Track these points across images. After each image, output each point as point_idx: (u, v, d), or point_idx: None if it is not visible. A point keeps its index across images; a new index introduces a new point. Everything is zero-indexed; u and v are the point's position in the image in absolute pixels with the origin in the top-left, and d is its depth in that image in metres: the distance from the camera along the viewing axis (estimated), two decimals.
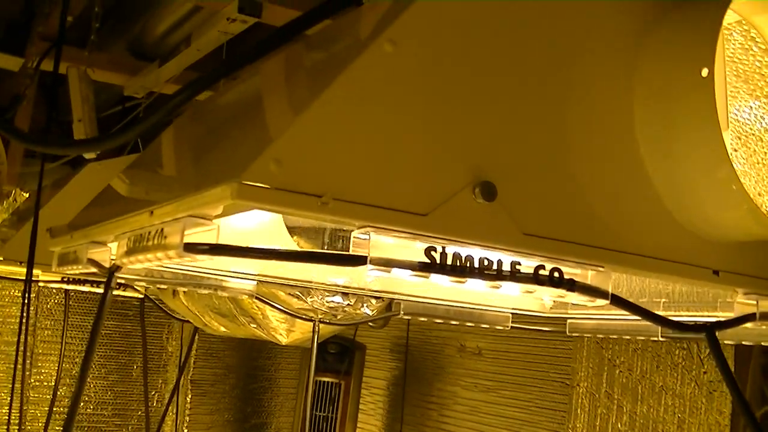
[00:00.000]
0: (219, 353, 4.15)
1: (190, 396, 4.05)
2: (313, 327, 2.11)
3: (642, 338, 2.39)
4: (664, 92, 0.90)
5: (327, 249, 1.59)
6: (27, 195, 2.62)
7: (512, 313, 1.77)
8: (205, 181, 0.81)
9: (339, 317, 2.11)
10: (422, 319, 1.75)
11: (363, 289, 1.64)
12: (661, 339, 1.54)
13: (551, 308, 1.76)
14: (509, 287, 0.83)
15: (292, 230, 1.50)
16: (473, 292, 1.71)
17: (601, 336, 2.74)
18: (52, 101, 2.35)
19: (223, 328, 2.57)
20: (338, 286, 1.64)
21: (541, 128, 0.87)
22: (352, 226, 0.77)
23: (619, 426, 2.72)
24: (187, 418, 4.03)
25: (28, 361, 3.60)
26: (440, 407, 3.67)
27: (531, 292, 0.84)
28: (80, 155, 2.51)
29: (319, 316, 2.07)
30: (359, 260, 0.76)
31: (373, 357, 4.07)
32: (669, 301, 1.45)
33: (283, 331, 2.33)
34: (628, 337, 1.99)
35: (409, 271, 0.78)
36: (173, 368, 4.09)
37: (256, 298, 1.91)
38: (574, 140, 0.88)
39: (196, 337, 3.96)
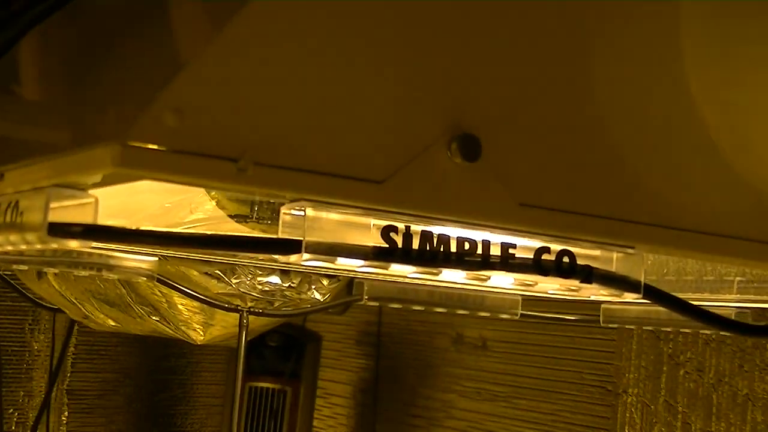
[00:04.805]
0: (109, 350, 4.18)
1: (66, 413, 4.10)
2: (240, 320, 2.14)
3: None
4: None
5: (259, 211, 1.64)
6: None
7: (523, 297, 1.84)
8: (82, 128, 0.85)
9: (277, 305, 2.15)
10: (394, 305, 1.81)
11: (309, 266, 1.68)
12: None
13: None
14: (500, 279, 0.89)
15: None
16: None
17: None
18: None
19: (111, 321, 2.60)
20: (274, 261, 1.69)
21: (548, 59, 0.92)
22: (282, 198, 0.82)
23: None
24: None
25: None
26: (428, 423, 3.72)
27: (531, 286, 0.90)
28: None
29: (249, 305, 2.10)
30: (290, 246, 0.82)
31: (333, 351, 4.11)
32: (743, 281, 1.52)
33: (197, 325, 2.37)
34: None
35: (360, 261, 0.83)
36: (41, 373, 4.12)
37: (159, 280, 1.95)
38: (593, 71, 0.93)
39: (76, 327, 4.00)
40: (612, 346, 3.04)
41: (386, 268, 0.85)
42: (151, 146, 0.76)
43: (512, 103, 0.90)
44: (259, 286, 2.11)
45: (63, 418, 4.11)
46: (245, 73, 0.80)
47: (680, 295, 1.53)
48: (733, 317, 1.59)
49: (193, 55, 0.81)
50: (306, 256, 0.81)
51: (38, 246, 0.90)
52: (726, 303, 1.56)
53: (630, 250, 0.94)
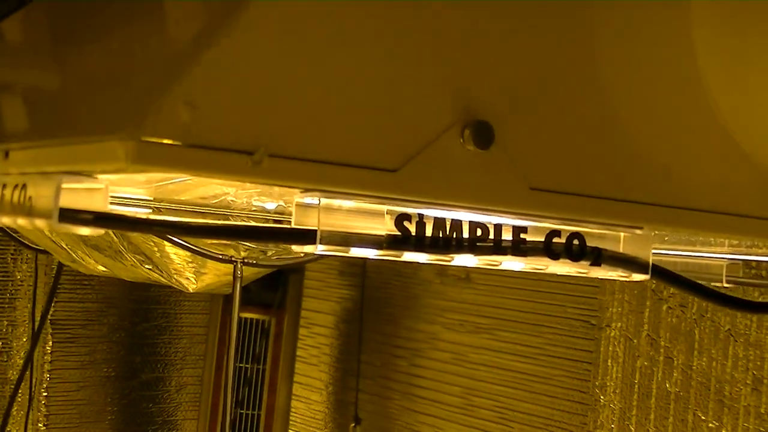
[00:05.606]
0: (92, 280, 4.18)
1: (50, 343, 4.11)
2: (234, 270, 2.14)
3: None
4: None
5: None
6: None
7: None
8: (89, 115, 0.84)
9: (270, 254, 2.15)
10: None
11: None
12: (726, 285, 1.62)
13: None
14: (511, 263, 0.90)
15: None
16: None
17: None
18: None
19: (101, 267, 2.60)
20: (268, 212, 1.68)
21: (556, 41, 0.91)
22: (296, 188, 0.82)
23: (667, 385, 2.81)
24: (47, 375, 4.09)
25: None
26: (412, 354, 3.75)
27: (541, 270, 0.91)
28: None
29: (243, 255, 2.10)
30: (305, 237, 0.81)
31: (316, 282, 4.12)
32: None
33: (190, 274, 2.37)
34: None
35: (375, 251, 0.83)
36: (24, 303, 4.12)
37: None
38: (603, 56, 0.93)
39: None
40: (596, 280, 3.05)
41: (399, 256, 0.85)
42: (165, 141, 0.75)
43: (523, 89, 0.89)
44: None
45: (47, 348, 4.12)
46: (258, 65, 0.80)
47: (671, 248, 1.54)
48: (724, 269, 1.59)
49: (205, 47, 0.79)
50: (321, 247, 0.81)
51: (47, 231, 0.90)
52: (718, 254, 1.57)
53: (638, 231, 0.94)
